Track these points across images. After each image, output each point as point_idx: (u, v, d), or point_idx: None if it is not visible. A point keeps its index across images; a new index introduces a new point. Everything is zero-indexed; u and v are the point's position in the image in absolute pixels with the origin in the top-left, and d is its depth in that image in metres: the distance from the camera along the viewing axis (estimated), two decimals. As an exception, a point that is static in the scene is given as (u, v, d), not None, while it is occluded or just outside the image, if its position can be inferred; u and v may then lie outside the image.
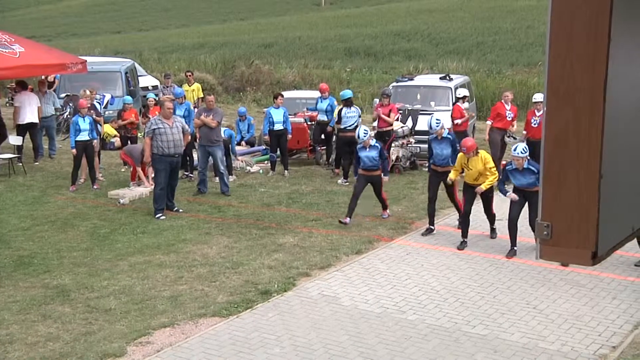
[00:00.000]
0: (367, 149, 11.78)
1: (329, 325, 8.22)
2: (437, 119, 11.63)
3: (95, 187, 14.67)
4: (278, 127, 15.31)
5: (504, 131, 14.91)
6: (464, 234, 10.93)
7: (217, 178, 14.40)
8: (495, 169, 10.81)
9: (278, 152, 15.62)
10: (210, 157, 14.25)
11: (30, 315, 8.52)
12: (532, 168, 10.12)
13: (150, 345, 7.80)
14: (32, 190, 14.68)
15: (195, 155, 15.33)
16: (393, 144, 15.73)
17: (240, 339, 7.88)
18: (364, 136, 11.81)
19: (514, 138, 14.89)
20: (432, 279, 9.62)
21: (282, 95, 16.10)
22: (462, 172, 11.00)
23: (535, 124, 14.00)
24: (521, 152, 10.22)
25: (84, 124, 14.33)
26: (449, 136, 11.63)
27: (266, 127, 15.48)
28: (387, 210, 12.31)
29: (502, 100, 15.30)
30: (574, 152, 1.67)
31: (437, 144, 11.59)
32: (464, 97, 15.76)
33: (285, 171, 15.55)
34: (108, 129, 18.01)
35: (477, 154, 10.72)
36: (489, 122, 15.10)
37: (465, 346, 7.69)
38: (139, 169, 14.38)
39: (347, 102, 15.23)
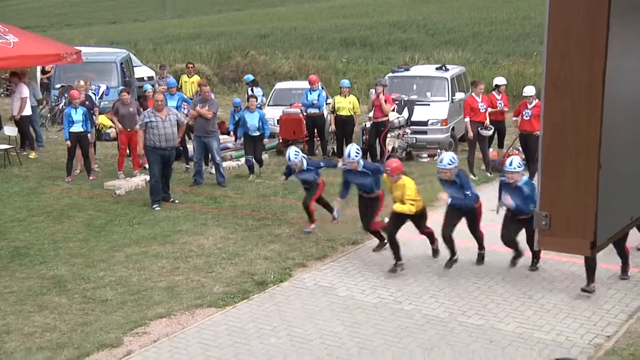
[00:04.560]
0: (304, 172, 11.02)
1: (325, 315, 8.25)
2: (357, 149, 10.19)
3: (91, 178, 14.65)
4: (252, 131, 14.43)
5: (480, 124, 14.66)
6: (396, 256, 9.49)
7: (213, 169, 14.40)
8: (414, 200, 9.37)
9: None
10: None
11: (27, 306, 8.53)
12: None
13: (146, 335, 7.81)
14: (28, 181, 14.66)
15: (190, 147, 15.32)
16: (389, 135, 15.75)
17: (236, 330, 7.90)
18: (295, 158, 10.83)
19: (487, 129, 14.77)
20: (427, 269, 9.64)
21: (256, 98, 15.23)
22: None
23: (527, 117, 13.89)
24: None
25: (77, 115, 14.31)
26: (365, 170, 9.97)
27: (240, 131, 14.71)
28: (312, 225, 11.23)
29: (473, 94, 14.98)
30: (573, 143, 1.68)
31: (352, 175, 10.14)
32: (496, 86, 15.55)
33: (258, 178, 14.60)
34: (103, 119, 17.97)
35: (400, 178, 9.48)
36: (466, 119, 14.70)
37: (461, 336, 7.72)
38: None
39: (254, 83, 17.48)
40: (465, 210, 9.38)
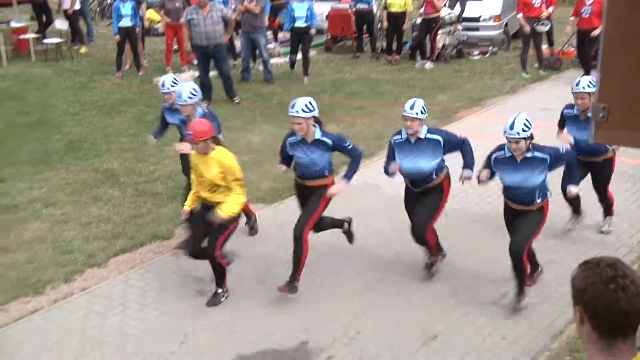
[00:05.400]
0: (174, 113, 7.74)
1: (371, 212, 8.34)
2: (193, 89, 7.26)
3: (140, 73, 14.76)
4: (299, 23, 13.89)
5: (535, 19, 14.08)
6: (218, 282, 6.55)
7: (261, 66, 14.32)
8: (240, 184, 6.29)
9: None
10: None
11: (83, 197, 8.83)
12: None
13: (197, 228, 8.02)
14: (79, 76, 14.85)
15: (237, 43, 15.21)
16: (440, 31, 15.38)
17: (285, 223, 8.05)
18: (171, 86, 7.67)
19: (544, 25, 14.17)
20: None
21: None
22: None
23: (586, 15, 13.33)
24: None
25: (125, 9, 14.26)
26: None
27: (288, 23, 14.12)
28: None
29: None
30: (634, 34, 1.61)
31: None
32: None
33: (305, 77, 14.21)
34: (151, 14, 17.88)
35: (212, 149, 6.25)
36: (519, 15, 14.12)
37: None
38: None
39: None
40: None
